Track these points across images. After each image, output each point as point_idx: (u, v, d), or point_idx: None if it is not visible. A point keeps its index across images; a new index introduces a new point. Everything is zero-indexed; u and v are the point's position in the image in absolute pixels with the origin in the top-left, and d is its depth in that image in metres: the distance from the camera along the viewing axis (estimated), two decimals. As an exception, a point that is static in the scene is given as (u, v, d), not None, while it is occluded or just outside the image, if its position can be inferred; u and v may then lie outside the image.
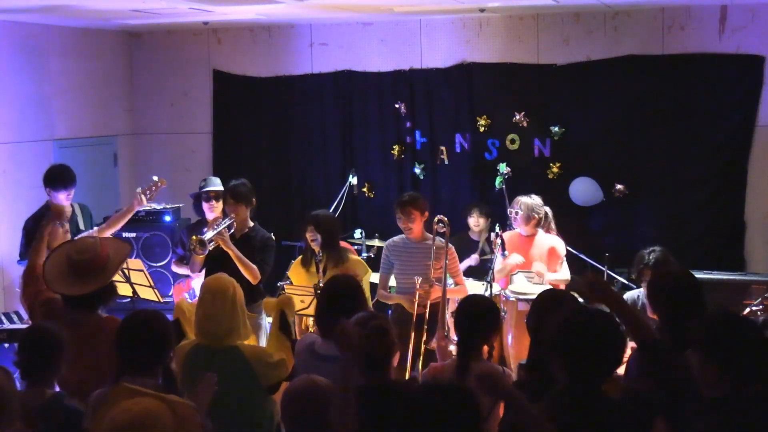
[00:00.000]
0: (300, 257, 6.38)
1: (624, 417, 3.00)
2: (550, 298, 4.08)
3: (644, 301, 5.68)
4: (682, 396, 3.35)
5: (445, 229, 6.04)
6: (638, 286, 5.88)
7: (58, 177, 6.80)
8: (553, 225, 6.87)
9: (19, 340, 3.91)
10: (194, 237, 6.11)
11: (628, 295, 5.83)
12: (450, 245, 6.07)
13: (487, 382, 3.07)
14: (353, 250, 6.89)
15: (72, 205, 6.97)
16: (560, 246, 6.73)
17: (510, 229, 6.95)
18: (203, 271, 6.32)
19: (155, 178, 7.15)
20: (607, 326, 3.09)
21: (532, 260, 6.67)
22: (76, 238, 5.85)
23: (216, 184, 6.67)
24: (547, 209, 6.84)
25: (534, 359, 3.82)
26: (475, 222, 7.65)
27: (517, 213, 6.73)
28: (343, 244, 6.52)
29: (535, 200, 6.76)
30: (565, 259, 6.75)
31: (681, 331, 3.74)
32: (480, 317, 4.21)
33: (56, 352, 3.75)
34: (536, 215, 6.71)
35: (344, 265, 6.06)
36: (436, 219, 6.06)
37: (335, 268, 6.01)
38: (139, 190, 7.11)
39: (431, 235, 6.02)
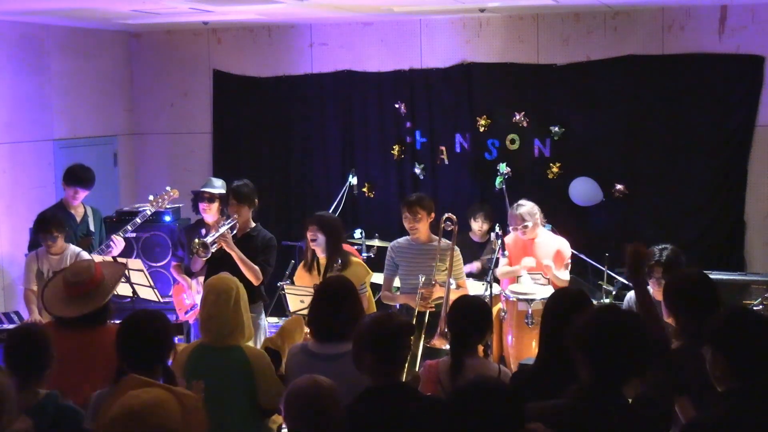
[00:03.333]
0: (302, 263, 6.33)
1: (638, 421, 2.99)
2: (562, 298, 4.08)
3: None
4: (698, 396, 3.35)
5: (453, 227, 6.03)
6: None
7: (75, 173, 6.94)
8: (542, 217, 6.78)
9: (4, 342, 3.91)
10: (197, 240, 6.09)
11: (631, 294, 5.80)
12: (456, 248, 6.06)
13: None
14: (355, 252, 6.86)
15: (84, 207, 7.03)
16: (566, 248, 6.70)
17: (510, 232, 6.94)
18: (204, 271, 6.33)
19: (168, 188, 7.21)
20: (636, 327, 3.07)
21: (536, 263, 6.64)
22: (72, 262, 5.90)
23: (215, 186, 6.66)
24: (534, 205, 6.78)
25: (543, 359, 3.80)
26: (480, 227, 7.61)
27: (525, 227, 6.58)
28: (345, 246, 6.50)
29: (528, 205, 6.65)
30: (569, 263, 6.71)
31: (699, 332, 3.75)
32: (473, 315, 4.22)
33: (43, 351, 3.74)
34: (537, 219, 6.66)
35: (347, 269, 6.03)
36: (444, 217, 6.03)
37: (339, 272, 5.96)
38: (151, 198, 7.16)
39: (437, 237, 6.01)
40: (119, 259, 6.50)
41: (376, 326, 3.65)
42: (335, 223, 6.26)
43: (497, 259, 6.69)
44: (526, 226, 6.59)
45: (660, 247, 5.62)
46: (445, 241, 6.01)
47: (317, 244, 6.08)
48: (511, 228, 6.73)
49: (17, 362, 3.73)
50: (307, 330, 4.72)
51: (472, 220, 7.65)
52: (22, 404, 3.51)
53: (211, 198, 6.54)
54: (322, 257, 6.12)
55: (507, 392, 2.84)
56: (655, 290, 5.66)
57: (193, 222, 7.09)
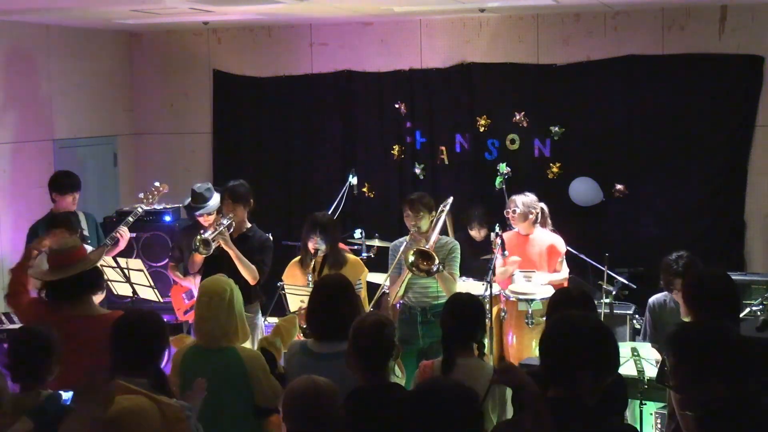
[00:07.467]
0: (299, 258, 6.32)
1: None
2: (560, 298, 4.08)
3: (671, 305, 5.42)
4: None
5: (447, 206, 6.22)
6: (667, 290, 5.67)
7: (64, 180, 6.89)
8: (549, 221, 6.87)
9: (8, 343, 3.91)
10: (198, 237, 6.10)
11: (654, 298, 5.60)
12: (456, 242, 6.08)
13: (506, 374, 2.90)
14: (348, 249, 6.85)
15: (77, 213, 7.02)
16: (559, 243, 6.73)
17: (510, 230, 6.95)
18: (200, 271, 6.32)
19: (157, 183, 7.17)
20: (594, 330, 2.93)
21: (531, 259, 6.67)
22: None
23: (208, 200, 6.61)
24: (543, 205, 6.84)
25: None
26: (477, 233, 7.57)
27: (514, 211, 6.71)
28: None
29: (530, 197, 6.77)
30: (564, 257, 6.75)
31: None
32: (464, 313, 4.22)
33: (47, 353, 3.74)
34: (533, 211, 6.71)
35: (345, 267, 6.02)
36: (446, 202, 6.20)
37: (335, 270, 5.96)
38: (141, 195, 7.14)
39: (440, 236, 6.01)
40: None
41: (356, 325, 3.71)
42: (333, 225, 6.23)
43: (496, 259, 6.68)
44: (515, 211, 6.68)
45: (675, 256, 5.34)
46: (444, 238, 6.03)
47: (321, 252, 6.02)
48: (505, 212, 6.81)
49: (20, 363, 3.74)
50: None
51: (469, 229, 7.61)
52: (24, 405, 3.51)
53: (210, 215, 6.56)
54: (318, 256, 6.09)
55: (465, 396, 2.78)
56: (678, 299, 5.52)
57: (192, 223, 7.08)
